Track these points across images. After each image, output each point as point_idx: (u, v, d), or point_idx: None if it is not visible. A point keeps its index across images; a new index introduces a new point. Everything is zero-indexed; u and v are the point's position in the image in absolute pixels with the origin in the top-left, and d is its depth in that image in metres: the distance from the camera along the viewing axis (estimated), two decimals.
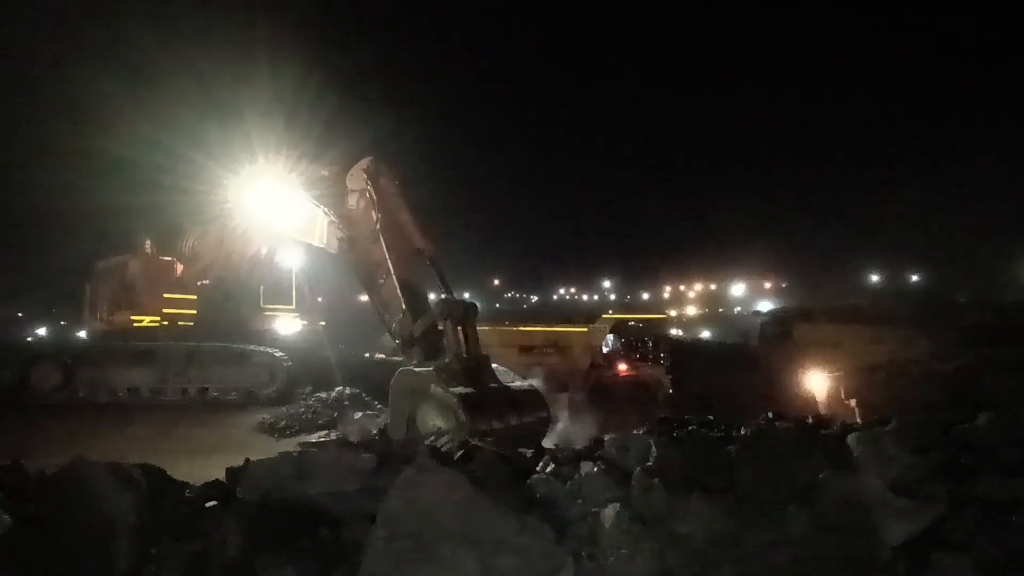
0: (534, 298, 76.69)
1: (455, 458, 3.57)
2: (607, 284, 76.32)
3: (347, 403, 12.00)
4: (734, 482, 3.10)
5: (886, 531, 2.69)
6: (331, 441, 9.29)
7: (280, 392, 13.44)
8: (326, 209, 8.91)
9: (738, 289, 59.99)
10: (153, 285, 15.04)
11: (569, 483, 3.36)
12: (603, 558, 2.77)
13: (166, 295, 14.97)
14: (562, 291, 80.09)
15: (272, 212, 9.87)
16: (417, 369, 7.23)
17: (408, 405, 6.82)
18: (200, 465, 5.18)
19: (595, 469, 3.45)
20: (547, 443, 5.99)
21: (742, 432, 3.74)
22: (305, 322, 16.79)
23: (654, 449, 3.40)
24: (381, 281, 8.46)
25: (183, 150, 12.41)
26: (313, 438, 9.95)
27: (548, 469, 3.67)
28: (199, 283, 15.03)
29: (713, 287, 63.41)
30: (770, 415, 5.01)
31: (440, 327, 7.61)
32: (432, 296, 8.99)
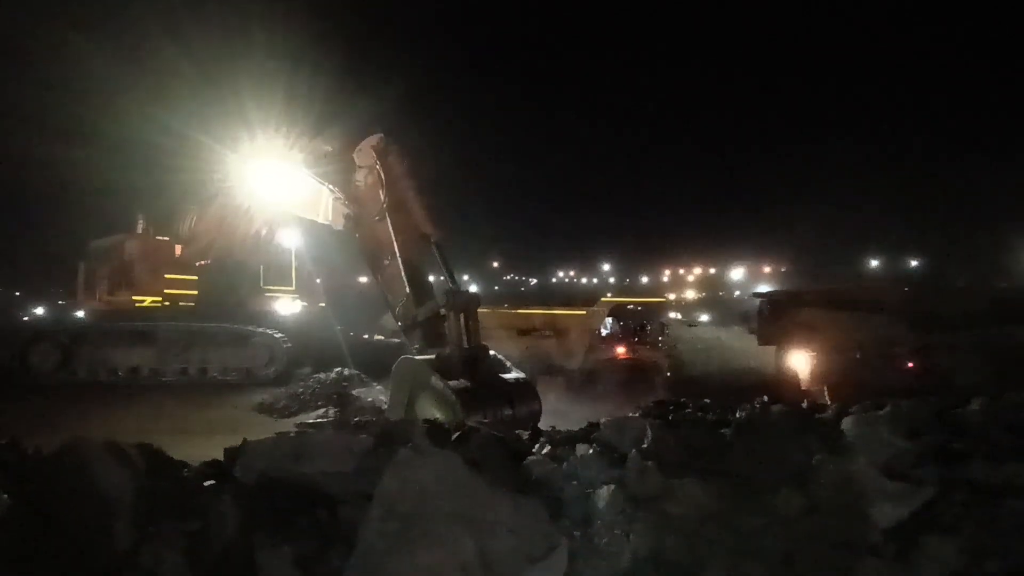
0: (533, 281, 76.72)
1: (451, 440, 3.59)
2: (606, 267, 76.42)
3: (346, 384, 12.07)
4: (728, 465, 3.13)
5: (877, 514, 2.72)
6: (328, 422, 9.38)
7: (279, 373, 13.51)
8: (331, 186, 8.84)
9: (737, 273, 60.00)
10: (152, 265, 15.04)
11: (565, 464, 3.38)
12: (598, 538, 2.80)
13: (167, 275, 14.97)
14: (561, 274, 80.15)
15: (274, 189, 9.76)
16: (418, 357, 7.37)
17: (407, 393, 6.97)
18: (199, 445, 5.21)
19: (590, 451, 3.48)
20: (543, 425, 6.05)
21: (737, 415, 3.76)
22: (305, 303, 16.82)
23: (649, 432, 3.41)
24: (386, 262, 8.45)
25: (179, 128, 12.31)
26: (311, 418, 10.02)
27: (544, 451, 3.70)
28: (199, 263, 15.02)
29: (712, 271, 63.49)
30: (765, 399, 5.04)
31: (443, 315, 7.71)
32: (432, 278, 8.98)
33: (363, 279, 18.51)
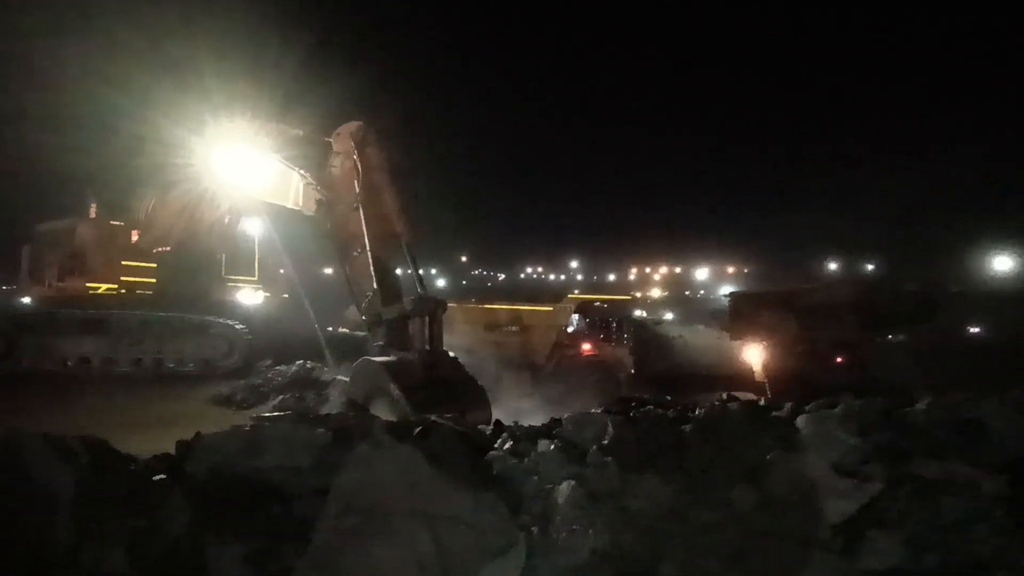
0: (501, 276, 76.61)
1: (413, 434, 3.55)
2: (574, 264, 76.76)
3: (307, 376, 11.86)
4: (686, 461, 3.18)
5: (827, 509, 2.80)
6: (285, 415, 9.17)
7: (239, 364, 13.16)
8: (302, 171, 8.61)
9: (702, 273, 61.11)
10: (106, 251, 14.43)
11: (526, 460, 3.39)
12: (556, 534, 2.81)
13: (124, 262, 14.40)
14: (529, 270, 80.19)
15: (241, 175, 9.29)
16: (378, 359, 7.39)
17: (364, 393, 7.02)
18: (151, 438, 5.04)
19: (552, 447, 3.49)
20: (507, 420, 6.08)
21: (696, 413, 3.82)
22: (268, 293, 16.43)
23: (610, 428, 3.45)
24: (355, 253, 8.30)
25: (136, 109, 11.74)
26: (268, 411, 9.81)
27: (506, 446, 3.70)
28: (157, 250, 14.50)
29: (678, 270, 64.44)
30: (724, 396, 5.14)
31: (408, 316, 7.79)
32: (400, 271, 8.87)
33: (328, 270, 18.16)
